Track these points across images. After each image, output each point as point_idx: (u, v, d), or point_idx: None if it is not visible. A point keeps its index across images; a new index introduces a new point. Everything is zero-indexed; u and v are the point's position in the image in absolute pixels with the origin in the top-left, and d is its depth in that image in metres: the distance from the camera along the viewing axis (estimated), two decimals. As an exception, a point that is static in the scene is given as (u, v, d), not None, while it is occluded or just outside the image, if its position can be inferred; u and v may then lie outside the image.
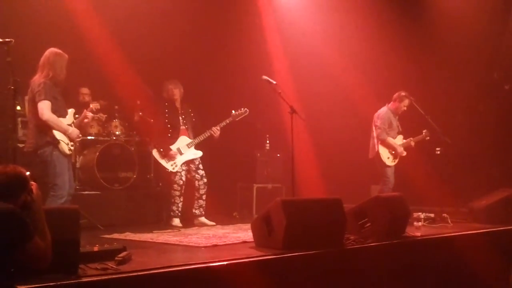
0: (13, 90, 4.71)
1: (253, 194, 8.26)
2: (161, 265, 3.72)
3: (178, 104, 6.97)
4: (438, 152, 7.51)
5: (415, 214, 5.71)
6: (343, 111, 8.92)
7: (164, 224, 6.79)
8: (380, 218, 5.12)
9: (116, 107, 7.64)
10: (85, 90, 7.53)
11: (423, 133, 7.57)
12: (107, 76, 7.49)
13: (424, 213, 6.33)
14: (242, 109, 7.05)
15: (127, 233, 5.69)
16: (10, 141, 4.87)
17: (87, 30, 7.25)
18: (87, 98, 7.38)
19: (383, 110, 7.46)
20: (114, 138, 7.44)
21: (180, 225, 6.63)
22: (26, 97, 5.42)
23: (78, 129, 5.53)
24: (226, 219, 7.33)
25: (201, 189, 6.86)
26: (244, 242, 5.07)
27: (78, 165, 7.13)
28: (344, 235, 4.83)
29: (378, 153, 7.31)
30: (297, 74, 8.60)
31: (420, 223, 5.64)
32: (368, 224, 5.15)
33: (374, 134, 7.40)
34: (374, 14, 8.54)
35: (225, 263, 3.91)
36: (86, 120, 5.88)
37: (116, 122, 7.60)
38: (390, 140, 7.34)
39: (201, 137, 6.92)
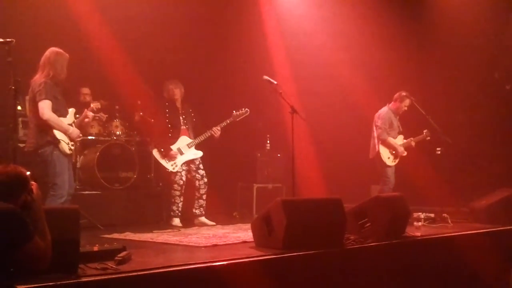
0: (14, 90, 4.72)
1: (253, 194, 8.27)
2: (161, 265, 3.72)
3: (178, 104, 6.97)
4: (439, 152, 7.51)
5: (415, 214, 5.71)
6: (343, 111, 8.91)
7: (164, 224, 6.80)
8: (380, 218, 5.12)
9: (117, 107, 7.64)
10: (85, 90, 7.54)
11: (424, 133, 7.57)
12: (107, 76, 7.49)
13: (424, 213, 6.33)
14: (243, 109, 7.05)
15: (127, 233, 5.70)
16: (11, 141, 4.88)
17: (87, 30, 7.25)
18: (87, 98, 7.38)
19: (384, 110, 7.46)
20: (115, 138, 7.45)
21: (180, 225, 6.64)
22: (27, 97, 5.43)
23: (78, 128, 5.54)
24: (226, 219, 7.34)
25: (202, 189, 6.86)
26: (244, 242, 5.07)
27: (78, 165, 7.14)
28: (344, 235, 4.83)
29: (378, 153, 7.30)
30: (297, 74, 8.59)
31: (420, 223, 5.64)
32: (368, 224, 5.15)
33: (375, 134, 7.40)
34: (375, 14, 8.53)
35: (225, 263, 3.91)
36: (86, 120, 5.89)
37: (116, 122, 7.60)
38: (391, 140, 7.34)
39: (202, 137, 6.92)
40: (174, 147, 6.81)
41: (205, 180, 6.88)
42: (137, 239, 5.40)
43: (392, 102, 7.49)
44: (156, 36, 7.97)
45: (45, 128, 5.18)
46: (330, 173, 8.42)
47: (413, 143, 7.54)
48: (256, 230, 4.84)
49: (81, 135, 5.62)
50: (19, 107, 5.94)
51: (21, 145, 5.55)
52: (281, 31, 8.95)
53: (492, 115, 8.61)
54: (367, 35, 8.65)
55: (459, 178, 7.87)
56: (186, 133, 6.95)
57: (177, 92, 6.93)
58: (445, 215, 6.63)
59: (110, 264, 3.62)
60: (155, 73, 7.67)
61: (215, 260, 3.96)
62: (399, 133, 7.53)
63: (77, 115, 5.70)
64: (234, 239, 5.28)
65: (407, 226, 5.53)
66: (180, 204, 6.77)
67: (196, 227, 6.54)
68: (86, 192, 6.94)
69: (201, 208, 6.86)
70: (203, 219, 6.83)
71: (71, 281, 3.20)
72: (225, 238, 5.37)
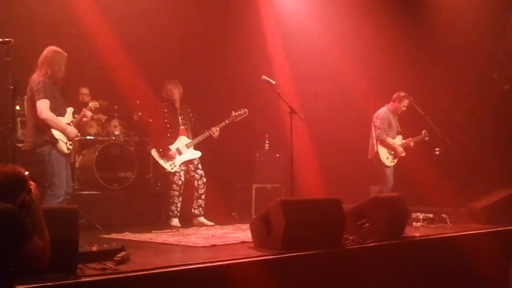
0: (12, 90, 4.70)
1: (252, 194, 8.26)
2: (159, 265, 3.72)
3: (177, 104, 6.96)
4: (438, 153, 7.51)
5: (414, 215, 5.70)
6: (342, 111, 8.92)
7: (163, 224, 6.79)
8: (379, 219, 5.12)
9: (116, 107, 7.64)
10: (84, 90, 7.54)
11: (423, 133, 7.57)
12: (106, 76, 7.49)
13: (423, 214, 6.31)
14: (242, 110, 7.05)
15: (126, 233, 5.69)
16: (9, 140, 4.86)
17: (87, 30, 7.24)
18: (86, 98, 7.38)
19: (383, 111, 7.46)
20: (113, 138, 7.44)
21: (179, 225, 6.63)
22: (25, 97, 5.42)
23: (77, 128, 5.53)
24: (225, 219, 7.33)
25: (200, 189, 6.86)
26: (243, 242, 5.06)
27: (77, 165, 7.13)
28: (343, 235, 4.83)
29: (377, 153, 7.31)
30: (296, 74, 8.60)
31: (419, 223, 5.64)
32: (367, 225, 5.15)
33: (374, 134, 7.40)
34: (374, 14, 8.54)
35: (224, 263, 3.90)
36: (85, 119, 5.87)
37: (115, 122, 7.60)
38: (390, 140, 7.34)
39: (200, 138, 6.91)
40: (172, 147, 6.80)
41: (204, 180, 6.88)
42: (136, 239, 5.39)
43: (391, 103, 7.49)
44: (155, 36, 7.97)
45: (43, 127, 5.17)
46: (329, 174, 8.42)
47: (411, 144, 7.54)
48: (255, 230, 4.84)
49: (79, 134, 5.61)
50: (17, 107, 5.93)
51: (20, 145, 5.53)
52: (280, 31, 8.96)
53: (491, 115, 8.62)
54: (366, 36, 8.65)
55: (458, 178, 7.86)
56: (185, 133, 6.95)
57: (176, 92, 6.92)
58: (444, 215, 6.63)
59: (109, 264, 3.62)
60: (154, 73, 7.66)
61: (214, 260, 3.96)
62: (398, 133, 7.53)
63: (76, 115, 5.69)
64: (233, 239, 5.27)
65: (406, 227, 5.54)
66: (179, 204, 6.77)
67: (195, 227, 6.53)
68: (85, 192, 6.93)
69: (200, 208, 6.86)
70: (202, 219, 6.82)
71: (70, 281, 3.20)
72: (224, 238, 5.37)
